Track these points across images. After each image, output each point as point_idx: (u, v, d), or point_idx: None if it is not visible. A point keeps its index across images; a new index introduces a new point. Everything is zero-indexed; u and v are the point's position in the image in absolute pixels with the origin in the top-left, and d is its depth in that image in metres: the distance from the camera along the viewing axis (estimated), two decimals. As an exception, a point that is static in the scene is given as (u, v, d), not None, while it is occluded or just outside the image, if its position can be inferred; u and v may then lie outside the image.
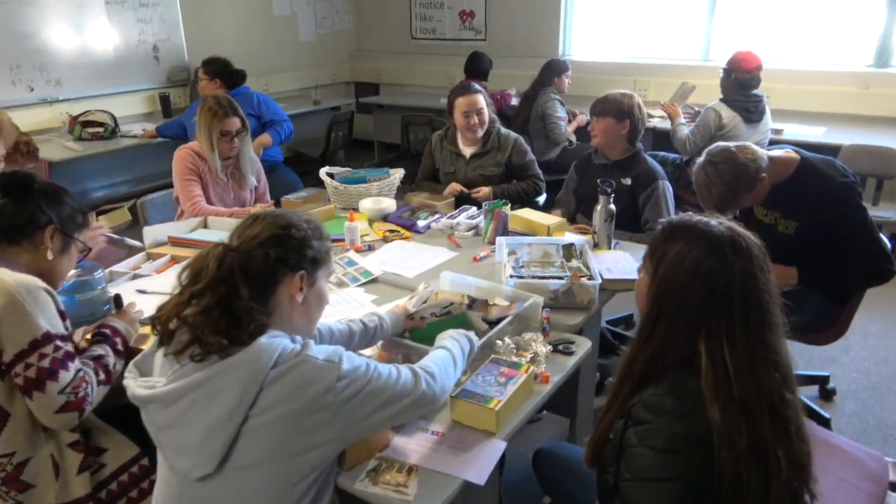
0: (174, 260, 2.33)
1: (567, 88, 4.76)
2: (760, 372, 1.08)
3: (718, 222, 1.16)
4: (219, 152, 2.80)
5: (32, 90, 4.46)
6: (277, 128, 4.08)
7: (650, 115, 4.86)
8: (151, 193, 3.09)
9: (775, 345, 1.11)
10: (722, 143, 2.21)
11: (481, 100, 2.98)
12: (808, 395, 2.74)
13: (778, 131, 4.30)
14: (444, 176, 3.15)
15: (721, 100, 3.90)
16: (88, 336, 1.65)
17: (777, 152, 2.24)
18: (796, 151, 2.24)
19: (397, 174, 2.98)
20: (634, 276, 2.03)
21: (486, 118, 3.01)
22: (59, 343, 1.40)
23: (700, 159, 2.21)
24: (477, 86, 3.04)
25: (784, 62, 4.90)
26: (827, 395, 2.74)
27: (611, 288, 2.06)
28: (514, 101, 5.05)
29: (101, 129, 4.44)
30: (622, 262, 2.18)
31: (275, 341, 1.15)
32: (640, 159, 2.68)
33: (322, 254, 1.27)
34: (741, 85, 3.85)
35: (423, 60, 6.49)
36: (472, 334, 1.56)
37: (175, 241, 2.44)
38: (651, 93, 5.35)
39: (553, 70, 4.67)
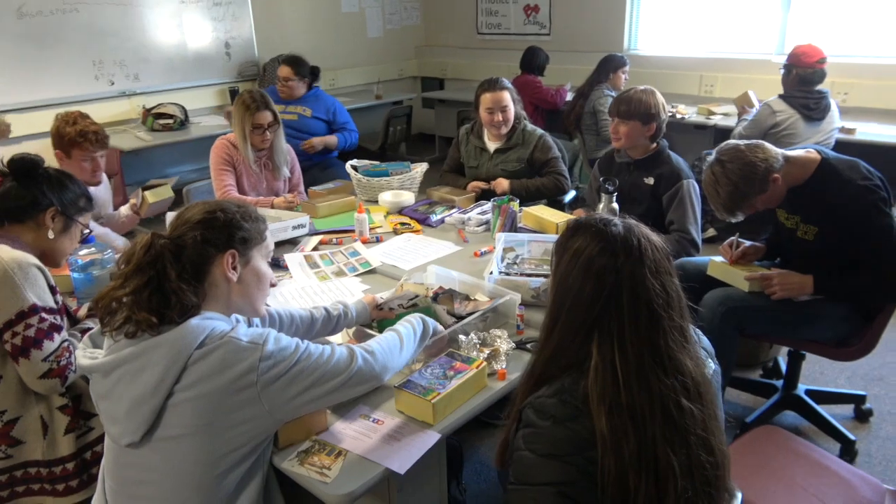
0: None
1: (623, 85, 4.62)
2: (651, 377, 1.04)
3: (620, 222, 1.12)
4: (251, 144, 2.94)
5: (113, 84, 4.83)
6: (346, 133, 4.13)
7: (712, 112, 4.66)
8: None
9: (671, 351, 1.07)
10: (733, 142, 2.10)
11: (507, 97, 2.95)
12: (840, 413, 2.56)
13: (849, 130, 4.01)
14: (468, 170, 3.16)
15: (779, 96, 3.68)
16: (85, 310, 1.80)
17: (796, 152, 2.10)
18: (819, 151, 2.09)
19: (419, 168, 3.02)
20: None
21: (511, 116, 2.98)
22: (44, 315, 1.54)
23: (710, 158, 2.11)
24: (505, 82, 3.00)
25: (865, 56, 4.54)
26: (862, 415, 2.55)
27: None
28: (570, 97, 4.96)
29: (171, 121, 4.75)
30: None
31: (205, 322, 1.22)
32: (664, 158, 2.57)
33: (253, 233, 1.33)
34: (803, 80, 3.61)
35: (488, 55, 6.49)
36: (429, 319, 1.59)
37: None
38: (718, 89, 5.12)
39: (609, 65, 4.54)
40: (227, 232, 1.29)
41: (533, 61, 4.99)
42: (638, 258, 1.07)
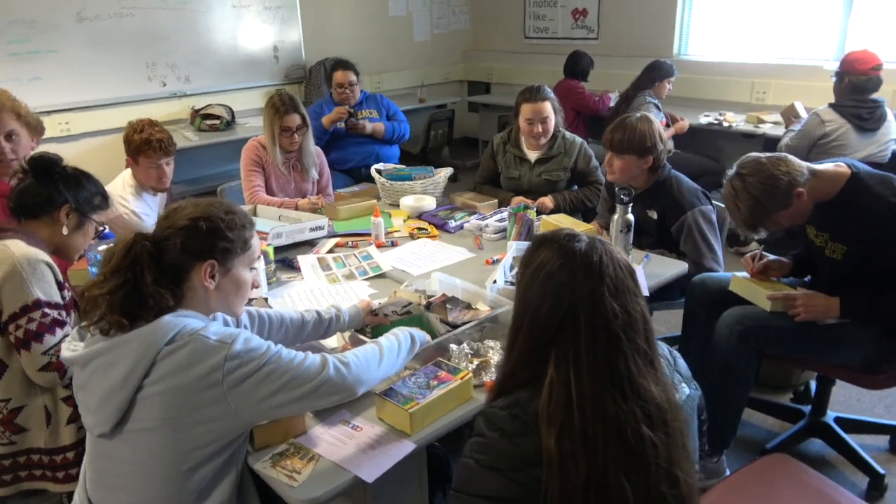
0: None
1: (666, 95, 4.48)
2: (608, 401, 1.00)
3: (586, 238, 1.08)
4: (280, 146, 3.00)
5: (165, 85, 5.02)
6: (395, 123, 4.06)
7: (761, 121, 4.48)
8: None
9: (632, 374, 1.02)
10: (754, 154, 2.00)
11: (548, 108, 2.88)
12: (873, 445, 2.40)
13: (908, 142, 3.76)
14: (507, 181, 3.08)
15: (830, 105, 3.50)
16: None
17: (825, 165, 1.99)
18: (850, 165, 1.97)
19: (443, 173, 3.01)
20: (635, 291, 1.93)
21: (551, 127, 2.91)
22: (47, 310, 1.61)
23: (730, 171, 2.02)
24: (548, 92, 2.93)
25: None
26: (897, 448, 2.39)
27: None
28: (614, 104, 4.85)
29: (217, 122, 4.90)
30: (629, 275, 2.04)
31: (177, 319, 1.24)
32: (666, 189, 2.45)
33: (236, 244, 1.34)
34: (855, 89, 3.43)
35: (534, 60, 6.42)
36: (420, 333, 1.57)
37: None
38: (770, 96, 4.92)
39: (655, 73, 4.40)
40: (208, 242, 1.30)
41: (577, 66, 4.91)
42: (597, 276, 1.03)
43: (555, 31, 6.28)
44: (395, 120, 4.10)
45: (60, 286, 1.68)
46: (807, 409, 2.43)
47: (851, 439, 2.29)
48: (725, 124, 4.50)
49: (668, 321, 3.21)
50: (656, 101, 4.38)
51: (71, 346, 1.30)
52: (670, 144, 4.53)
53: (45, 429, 1.67)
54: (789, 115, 3.91)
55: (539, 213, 2.69)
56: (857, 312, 1.97)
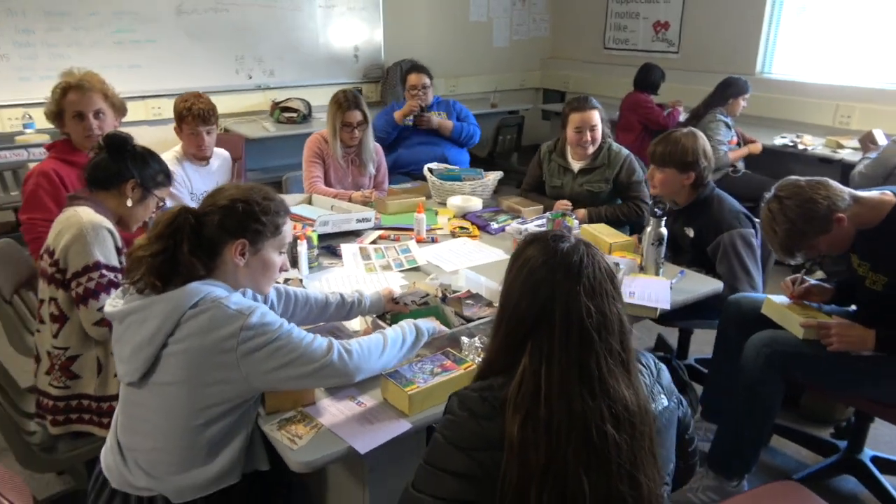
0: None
1: (739, 113, 4.36)
2: (574, 397, 1.04)
3: (572, 240, 1.13)
4: (340, 140, 3.15)
5: (251, 78, 5.32)
6: (464, 125, 4.08)
7: (840, 146, 4.29)
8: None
9: (603, 374, 1.06)
10: (793, 177, 1.96)
11: (596, 116, 2.92)
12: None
13: None
14: (551, 189, 3.12)
15: (912, 133, 3.32)
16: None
17: (869, 193, 1.92)
18: (896, 194, 1.90)
19: (492, 177, 3.08)
20: (657, 304, 1.95)
21: (599, 136, 2.94)
22: (104, 272, 1.79)
23: (768, 194, 1.99)
24: (595, 101, 2.98)
25: None
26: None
27: (627, 312, 1.95)
28: (682, 118, 4.76)
29: (294, 115, 5.15)
30: (656, 289, 2.05)
31: (203, 287, 1.37)
32: (706, 207, 2.42)
33: (268, 227, 1.46)
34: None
35: (611, 70, 6.37)
36: (430, 325, 1.65)
37: (280, 212, 2.83)
38: (854, 120, 4.69)
39: (729, 90, 4.30)
40: (242, 222, 1.43)
41: (647, 78, 4.86)
42: (575, 276, 1.08)
43: (635, 43, 6.21)
44: (466, 123, 4.13)
45: (119, 251, 1.87)
46: (843, 444, 2.35)
47: (887, 481, 2.19)
48: (801, 147, 4.33)
49: (710, 342, 3.14)
50: (727, 120, 4.28)
51: (113, 303, 1.46)
52: (740, 164, 4.41)
53: (96, 378, 1.86)
54: (867, 141, 3.73)
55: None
56: (893, 348, 1.90)
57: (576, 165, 3.04)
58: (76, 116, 2.34)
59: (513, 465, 1.03)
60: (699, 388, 2.60)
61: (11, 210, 3.90)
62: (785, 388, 2.08)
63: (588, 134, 2.90)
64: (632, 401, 1.08)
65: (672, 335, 3.03)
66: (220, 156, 3.06)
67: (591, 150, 2.96)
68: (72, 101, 2.33)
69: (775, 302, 2.13)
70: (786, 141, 4.47)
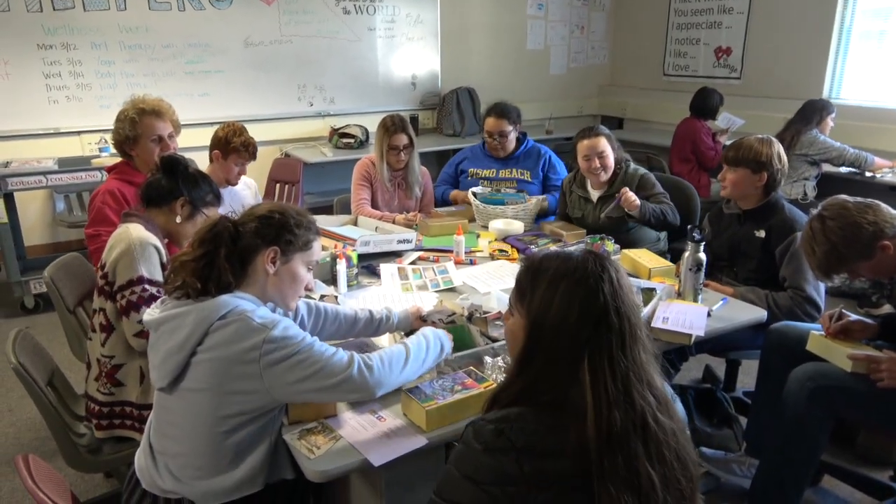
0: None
1: (829, 132, 4.24)
2: (635, 394, 1.04)
3: (575, 248, 1.13)
4: (387, 163, 3.23)
5: (312, 105, 5.54)
6: (550, 196, 3.38)
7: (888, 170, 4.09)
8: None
9: (646, 364, 1.07)
10: (842, 197, 1.89)
11: (603, 142, 2.90)
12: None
13: None
14: (574, 220, 3.11)
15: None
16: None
17: (922, 219, 1.83)
18: (954, 222, 1.80)
19: (535, 201, 3.08)
20: (692, 331, 1.90)
21: (610, 162, 2.92)
22: (147, 286, 1.90)
23: (813, 211, 1.92)
24: (602, 129, 2.97)
25: None
26: None
27: (658, 337, 1.91)
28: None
29: (352, 140, 5.31)
30: (690, 315, 1.99)
31: (232, 300, 1.44)
32: (777, 208, 2.39)
33: (299, 240, 1.53)
34: None
35: (671, 97, 6.27)
36: (449, 343, 1.67)
37: (325, 233, 2.92)
38: (929, 147, 4.44)
39: (818, 109, 4.21)
40: (276, 231, 1.51)
41: (705, 104, 4.76)
42: (608, 275, 1.08)
43: (695, 70, 6.11)
44: (551, 185, 3.45)
45: (164, 267, 1.98)
46: (900, 487, 2.20)
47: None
48: (868, 174, 4.14)
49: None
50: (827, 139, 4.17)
51: (150, 312, 1.55)
52: (811, 192, 4.24)
53: (139, 386, 1.96)
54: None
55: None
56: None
57: (595, 194, 3.02)
58: (154, 140, 2.51)
59: (604, 486, 1.00)
60: (745, 422, 2.50)
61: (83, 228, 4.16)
62: (839, 426, 1.98)
63: (596, 161, 2.89)
64: (661, 384, 1.09)
65: (720, 366, 2.93)
66: (246, 183, 3.17)
67: (603, 177, 2.93)
68: (151, 125, 2.50)
69: (819, 336, 2.03)
70: (852, 168, 4.28)
